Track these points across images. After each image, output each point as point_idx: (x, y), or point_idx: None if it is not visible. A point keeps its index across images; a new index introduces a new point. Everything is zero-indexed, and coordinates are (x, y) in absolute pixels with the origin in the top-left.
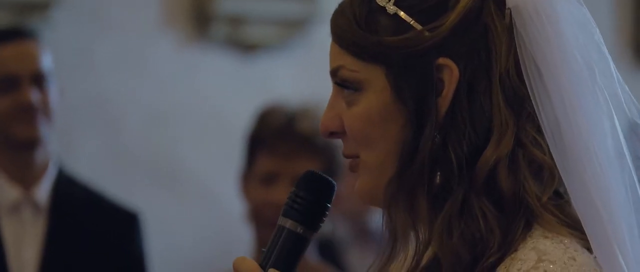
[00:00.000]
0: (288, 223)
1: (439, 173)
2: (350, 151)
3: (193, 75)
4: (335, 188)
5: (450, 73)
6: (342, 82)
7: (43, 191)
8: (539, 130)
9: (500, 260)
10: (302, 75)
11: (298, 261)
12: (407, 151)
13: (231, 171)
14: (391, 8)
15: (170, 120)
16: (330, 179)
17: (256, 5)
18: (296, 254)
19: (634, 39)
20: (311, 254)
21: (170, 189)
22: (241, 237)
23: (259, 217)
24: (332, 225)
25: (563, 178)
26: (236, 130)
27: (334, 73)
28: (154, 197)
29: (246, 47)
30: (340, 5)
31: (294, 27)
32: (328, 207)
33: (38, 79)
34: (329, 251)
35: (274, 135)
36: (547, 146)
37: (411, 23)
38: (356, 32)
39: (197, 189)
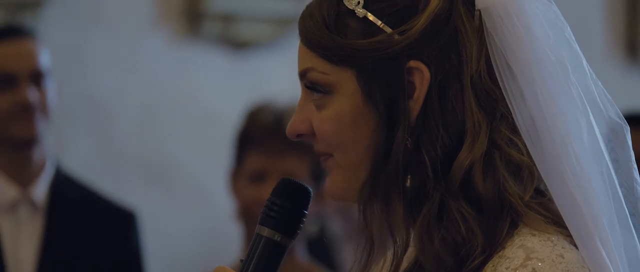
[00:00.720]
0: (265, 231)
1: (411, 176)
2: (322, 149)
3: (185, 72)
4: (311, 194)
5: (421, 76)
6: (311, 85)
7: (40, 189)
8: (514, 130)
9: (485, 261)
10: (294, 73)
11: (277, 269)
12: (380, 154)
13: (223, 169)
14: (360, 11)
15: (163, 117)
16: (306, 185)
17: (248, 3)
18: (274, 262)
19: (627, 37)
20: (301, 253)
21: (162, 186)
22: (233, 235)
23: (248, 214)
24: (319, 223)
25: (542, 175)
26: (228, 127)
27: (302, 75)
28: (145, 194)
29: (238, 45)
30: (308, 8)
31: (285, 24)
32: (305, 213)
33: (36, 78)
34: (320, 249)
35: (263, 133)
36: (524, 145)
37: (381, 26)
38: (325, 35)
39: (189, 186)
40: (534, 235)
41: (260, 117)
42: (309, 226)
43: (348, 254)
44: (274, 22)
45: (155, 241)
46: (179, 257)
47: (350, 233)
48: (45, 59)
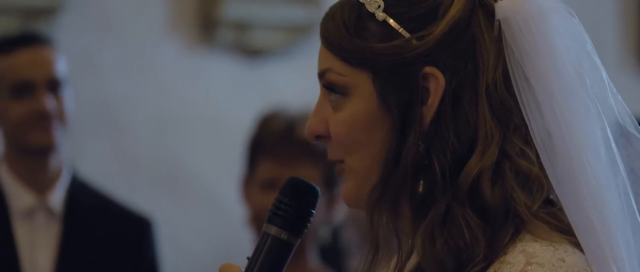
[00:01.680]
0: (272, 230)
1: (422, 182)
2: (335, 156)
3: (198, 79)
4: (319, 194)
5: (436, 82)
6: (329, 85)
7: (57, 196)
8: (526, 142)
9: (487, 267)
10: (306, 81)
11: (283, 267)
12: (391, 157)
13: (234, 175)
14: (380, 15)
15: (175, 124)
16: (313, 185)
17: (261, 11)
18: (281, 260)
19: (639, 48)
20: (313, 259)
21: (174, 193)
22: (244, 241)
23: (260, 221)
24: (332, 230)
25: (555, 188)
26: (241, 135)
27: (321, 75)
28: (158, 201)
29: (251, 53)
30: (331, 10)
31: (298, 32)
32: (312, 213)
33: (53, 85)
34: (332, 255)
35: (274, 141)
36: (536, 157)
37: (400, 31)
38: (345, 37)
39: (200, 193)
40: (536, 241)
41: (272, 124)
42: (322, 232)
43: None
44: (287, 30)
45: (167, 247)
46: (191, 264)
47: (361, 241)
48: (62, 66)
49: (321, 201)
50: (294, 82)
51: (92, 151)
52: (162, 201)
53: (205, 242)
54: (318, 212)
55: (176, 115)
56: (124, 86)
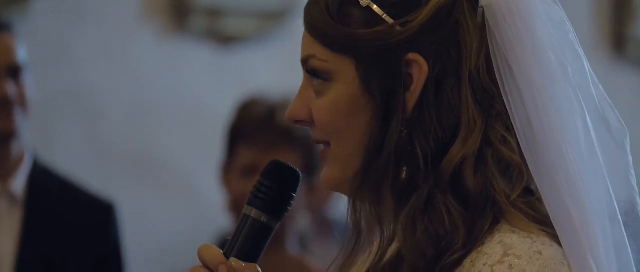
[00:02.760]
0: (253, 212)
1: (405, 168)
2: (319, 137)
3: (172, 67)
4: (301, 177)
5: (419, 69)
6: (312, 71)
7: (19, 182)
8: (508, 129)
9: (465, 255)
10: (282, 67)
11: (262, 250)
12: (374, 144)
13: (211, 163)
14: (364, 1)
15: (150, 112)
16: (295, 168)
17: None
18: (261, 243)
19: (613, 33)
20: (292, 246)
21: (151, 181)
22: (222, 229)
23: (239, 208)
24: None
25: (534, 177)
26: (216, 122)
27: (304, 62)
28: (134, 188)
29: (225, 39)
30: None
31: (273, 19)
32: (293, 196)
33: (14, 71)
34: (310, 242)
35: (254, 127)
36: (517, 144)
37: (383, 17)
38: (328, 23)
39: (177, 181)
40: (514, 232)
41: (251, 110)
42: (301, 219)
43: (317, 250)
44: (261, 16)
45: (144, 234)
46: (168, 251)
47: (319, 229)
48: (23, 53)
49: (300, 188)
50: (269, 69)
51: (68, 138)
52: (139, 188)
53: (182, 229)
54: (298, 199)
55: (151, 102)
56: (98, 74)
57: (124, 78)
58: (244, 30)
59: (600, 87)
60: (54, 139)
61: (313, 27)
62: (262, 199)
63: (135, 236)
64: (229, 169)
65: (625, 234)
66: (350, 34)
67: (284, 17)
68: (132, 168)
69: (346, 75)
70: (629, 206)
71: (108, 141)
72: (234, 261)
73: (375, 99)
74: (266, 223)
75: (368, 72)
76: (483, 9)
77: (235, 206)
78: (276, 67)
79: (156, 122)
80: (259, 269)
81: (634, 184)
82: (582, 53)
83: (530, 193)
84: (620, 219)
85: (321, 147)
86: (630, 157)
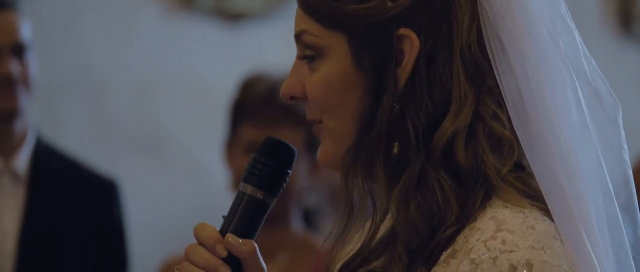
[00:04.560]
0: (248, 189)
1: (396, 143)
2: (313, 116)
3: (178, 44)
4: (296, 154)
5: (411, 44)
6: (305, 47)
7: (22, 160)
8: (499, 104)
9: (458, 231)
10: (288, 45)
11: (258, 226)
12: (366, 119)
13: (216, 140)
14: None
15: (156, 89)
16: (290, 145)
17: None
18: (256, 220)
19: (620, 10)
20: (296, 223)
21: (156, 158)
22: (225, 207)
23: None
24: (315, 194)
25: (525, 151)
26: (222, 99)
27: (297, 37)
28: (139, 166)
29: (232, 17)
30: None
31: None
32: (288, 173)
33: (18, 50)
34: (315, 219)
35: (257, 104)
36: (508, 120)
37: None
38: None
39: (182, 158)
40: (506, 207)
41: (254, 88)
42: (306, 196)
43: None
44: None
45: (148, 212)
46: (172, 229)
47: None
48: (27, 31)
49: (303, 165)
50: (275, 46)
51: (73, 116)
52: (144, 166)
53: (186, 207)
54: (301, 177)
55: (157, 80)
56: (104, 52)
57: (130, 56)
58: (250, 8)
59: (593, 61)
60: (59, 117)
61: (306, 3)
62: (257, 176)
63: (139, 214)
64: (232, 146)
65: (617, 208)
66: (342, 9)
67: None
68: (138, 146)
69: (338, 51)
70: (621, 178)
71: (113, 118)
72: (230, 237)
73: (367, 74)
74: (262, 200)
75: (360, 47)
76: None
77: (238, 183)
78: (283, 45)
79: (161, 100)
80: (256, 246)
81: (627, 158)
82: (574, 27)
83: (520, 168)
84: (613, 193)
85: (316, 125)
86: (623, 131)
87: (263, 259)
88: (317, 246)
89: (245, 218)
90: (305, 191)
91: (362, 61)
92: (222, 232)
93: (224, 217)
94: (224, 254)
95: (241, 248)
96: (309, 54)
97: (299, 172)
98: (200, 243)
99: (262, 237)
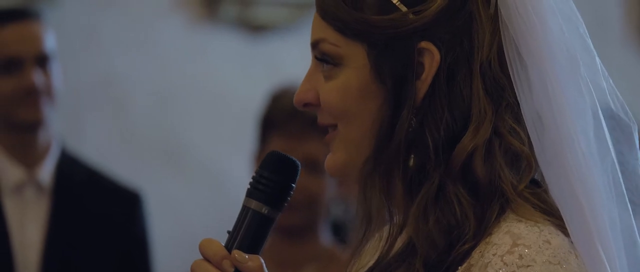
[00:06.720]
0: (252, 204)
1: (414, 156)
2: (326, 120)
3: (202, 55)
4: (299, 168)
5: (431, 57)
6: (322, 56)
7: (46, 171)
8: (517, 120)
9: (475, 246)
10: (310, 57)
11: (264, 241)
12: (384, 131)
13: (239, 152)
14: None
15: (179, 101)
16: (294, 159)
17: None
18: (262, 235)
19: None
20: (324, 236)
21: (178, 170)
22: None
23: None
24: (343, 207)
25: (542, 169)
26: (244, 111)
27: (314, 45)
28: (161, 177)
29: (255, 28)
30: None
31: (303, 8)
32: (292, 187)
33: (41, 61)
34: (343, 232)
35: (285, 116)
36: (526, 136)
37: (397, 4)
38: (341, 8)
39: (204, 170)
40: (520, 221)
41: (282, 100)
42: (334, 209)
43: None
44: (291, 5)
45: (170, 223)
46: (192, 240)
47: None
48: (51, 41)
49: (333, 178)
50: (298, 58)
51: (95, 127)
52: (166, 177)
53: (207, 219)
54: (329, 189)
55: (179, 91)
56: (126, 63)
57: (153, 67)
58: (274, 19)
59: (611, 81)
60: (82, 128)
61: (325, 12)
62: (261, 191)
63: (162, 225)
64: (261, 159)
65: (634, 224)
66: (363, 19)
67: (313, 6)
68: (160, 157)
69: (357, 61)
70: (637, 194)
71: (136, 130)
72: (236, 253)
73: (386, 86)
74: (266, 214)
75: (380, 59)
76: (496, 1)
77: None
78: (306, 56)
79: (184, 111)
80: (262, 261)
81: None
82: (592, 47)
83: (536, 184)
84: (630, 209)
85: (330, 132)
86: (639, 151)
87: (291, 271)
88: (345, 258)
89: (250, 233)
90: (333, 203)
91: (381, 73)
92: (228, 247)
93: (228, 232)
94: (231, 270)
95: (248, 264)
96: (326, 61)
97: (327, 185)
98: (207, 259)
99: (291, 250)
